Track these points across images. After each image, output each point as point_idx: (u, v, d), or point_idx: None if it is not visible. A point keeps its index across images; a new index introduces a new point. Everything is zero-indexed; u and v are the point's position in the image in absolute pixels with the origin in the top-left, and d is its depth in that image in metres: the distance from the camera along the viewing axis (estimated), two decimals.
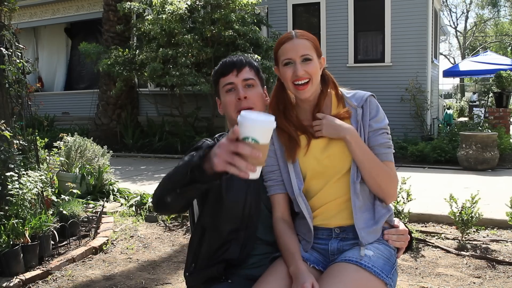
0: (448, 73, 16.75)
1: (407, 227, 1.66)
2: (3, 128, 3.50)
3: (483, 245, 3.79)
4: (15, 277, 3.14)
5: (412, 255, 3.62)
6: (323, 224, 1.58)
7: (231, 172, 1.16)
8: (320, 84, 1.62)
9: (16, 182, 3.43)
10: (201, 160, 1.24)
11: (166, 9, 8.23)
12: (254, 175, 1.18)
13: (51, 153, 4.95)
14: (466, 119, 15.99)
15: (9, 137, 3.54)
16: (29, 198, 3.48)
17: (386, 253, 1.51)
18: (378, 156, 1.54)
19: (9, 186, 3.38)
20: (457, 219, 3.84)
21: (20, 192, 3.39)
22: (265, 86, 1.75)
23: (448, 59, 38.70)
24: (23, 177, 3.52)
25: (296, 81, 1.54)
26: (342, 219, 1.56)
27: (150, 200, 5.01)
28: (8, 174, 3.44)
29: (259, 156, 1.16)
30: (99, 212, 4.64)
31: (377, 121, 1.57)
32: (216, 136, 1.75)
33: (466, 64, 16.43)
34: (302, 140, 1.60)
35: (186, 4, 8.35)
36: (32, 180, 3.53)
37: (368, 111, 1.58)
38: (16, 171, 3.56)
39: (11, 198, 3.38)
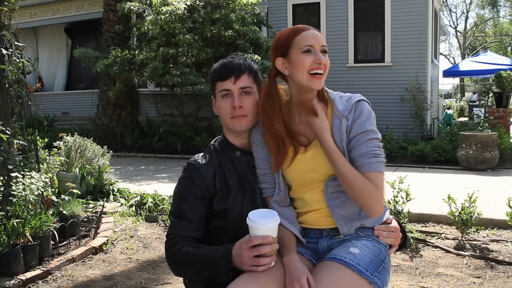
0: (448, 73, 16.77)
1: (400, 225, 1.63)
2: (2, 129, 3.49)
3: (483, 245, 3.79)
4: (15, 277, 3.14)
5: (412, 255, 3.63)
6: (314, 225, 1.59)
7: (259, 270, 1.40)
8: None
9: (20, 183, 3.43)
10: (229, 276, 1.43)
11: (163, 10, 8.22)
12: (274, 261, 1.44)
13: (51, 153, 4.95)
14: (466, 119, 16.01)
15: (5, 138, 3.51)
16: (31, 199, 3.48)
17: (374, 251, 1.49)
18: (360, 167, 1.44)
19: (13, 187, 3.38)
20: (456, 219, 3.84)
21: (24, 193, 3.39)
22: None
23: (448, 59, 38.74)
24: (26, 178, 3.52)
25: (315, 69, 1.47)
26: (332, 221, 1.55)
27: (150, 200, 5.02)
28: (13, 174, 3.44)
29: (277, 247, 1.43)
30: (99, 212, 4.64)
31: (358, 124, 1.48)
32: (211, 143, 1.76)
33: (466, 64, 16.44)
34: (290, 152, 1.56)
35: (185, 4, 8.34)
36: (35, 181, 3.53)
37: (352, 117, 1.50)
38: (21, 172, 3.56)
39: (13, 199, 3.38)
